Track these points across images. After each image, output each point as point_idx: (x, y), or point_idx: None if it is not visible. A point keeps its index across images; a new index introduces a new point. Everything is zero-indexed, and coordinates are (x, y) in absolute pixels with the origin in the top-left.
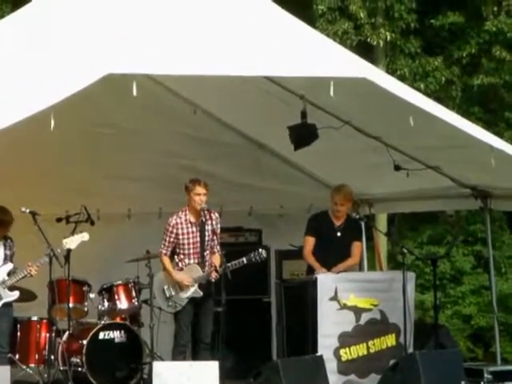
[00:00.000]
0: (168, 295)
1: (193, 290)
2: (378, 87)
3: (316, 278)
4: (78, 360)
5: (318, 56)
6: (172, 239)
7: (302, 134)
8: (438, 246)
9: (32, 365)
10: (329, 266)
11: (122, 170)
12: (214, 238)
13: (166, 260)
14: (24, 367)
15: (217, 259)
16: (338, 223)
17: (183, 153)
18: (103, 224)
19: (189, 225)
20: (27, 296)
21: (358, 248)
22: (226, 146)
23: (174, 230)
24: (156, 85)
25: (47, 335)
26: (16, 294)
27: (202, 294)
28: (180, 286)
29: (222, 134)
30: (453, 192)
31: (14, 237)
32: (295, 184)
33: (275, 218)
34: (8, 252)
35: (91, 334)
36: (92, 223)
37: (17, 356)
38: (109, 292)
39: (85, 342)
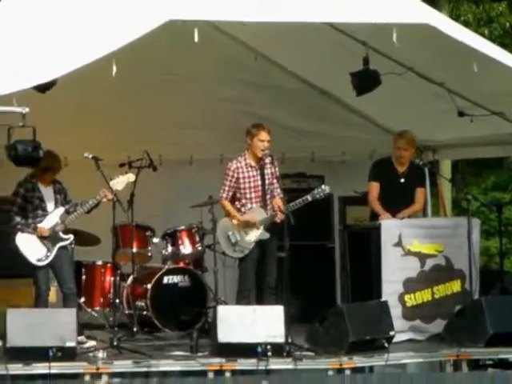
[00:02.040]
0: (234, 241)
1: (259, 233)
2: (441, 33)
3: (380, 224)
4: (143, 304)
5: (381, 2)
6: (232, 183)
7: (365, 81)
8: (502, 192)
9: (97, 308)
10: (392, 212)
11: (183, 116)
12: (274, 181)
13: (227, 204)
14: (89, 310)
15: (278, 202)
16: (401, 169)
17: (244, 99)
18: (165, 170)
19: (249, 169)
20: (92, 240)
21: (422, 194)
22: (287, 92)
23: (235, 175)
24: (217, 32)
25: (112, 279)
26: (70, 237)
27: (268, 235)
28: (245, 230)
29: (283, 80)
30: None
31: (76, 181)
32: (357, 130)
33: (338, 164)
34: (58, 196)
35: (155, 278)
36: (154, 169)
37: (82, 299)
38: (172, 237)
39: (149, 286)
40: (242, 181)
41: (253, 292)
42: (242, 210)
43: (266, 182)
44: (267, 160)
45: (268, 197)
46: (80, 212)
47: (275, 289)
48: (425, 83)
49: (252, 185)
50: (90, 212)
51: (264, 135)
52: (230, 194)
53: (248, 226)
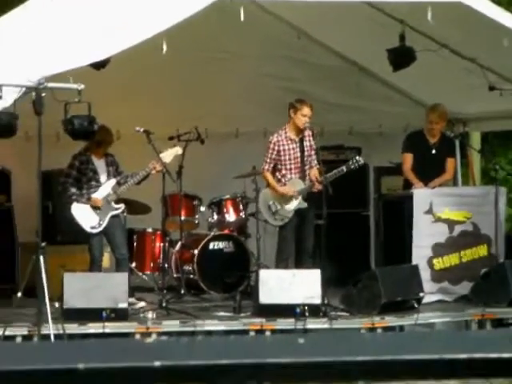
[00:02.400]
0: (274, 210)
1: (297, 202)
2: (473, 11)
3: (412, 193)
4: (190, 268)
5: None
6: (274, 156)
7: (401, 57)
8: None
9: (148, 272)
10: (425, 181)
11: (229, 91)
12: (312, 152)
13: (269, 176)
14: (140, 274)
15: (316, 173)
16: (433, 141)
17: (287, 76)
18: (212, 143)
19: (289, 141)
20: (142, 209)
21: (452, 164)
22: (328, 69)
23: (276, 147)
24: (262, 11)
25: (161, 245)
26: (121, 206)
27: (306, 204)
28: (285, 200)
29: (324, 57)
30: None
31: (128, 154)
32: (393, 104)
33: (374, 137)
34: (111, 168)
35: (202, 244)
36: (202, 142)
37: (134, 264)
38: (218, 206)
39: (196, 251)
40: (282, 153)
41: (291, 257)
42: (283, 180)
43: (306, 153)
44: (306, 133)
45: (307, 167)
46: (131, 183)
47: (313, 254)
48: (457, 59)
49: (292, 157)
50: (140, 183)
51: (306, 110)
52: (272, 165)
53: (286, 198)
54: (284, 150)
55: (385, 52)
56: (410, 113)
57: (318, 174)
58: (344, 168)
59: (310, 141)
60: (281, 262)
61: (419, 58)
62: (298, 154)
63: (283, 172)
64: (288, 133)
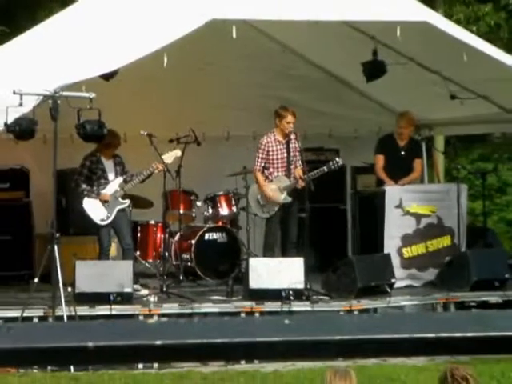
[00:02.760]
0: (262, 203)
1: (283, 197)
2: (437, 29)
3: (384, 190)
4: (188, 256)
5: (388, 3)
6: (264, 155)
7: (373, 69)
8: (486, 163)
9: (150, 260)
10: (395, 179)
11: (222, 99)
12: (297, 153)
13: (260, 176)
14: (143, 262)
15: (299, 172)
16: (401, 144)
17: (273, 86)
18: (207, 145)
19: (277, 143)
20: (146, 204)
21: (419, 164)
22: (309, 80)
23: (266, 148)
24: (251, 28)
25: (162, 236)
26: (127, 201)
27: (291, 199)
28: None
29: (306, 69)
30: (500, 117)
31: (133, 155)
32: (367, 111)
33: (351, 140)
34: (118, 168)
35: (198, 235)
36: (198, 144)
37: (137, 253)
38: (212, 201)
39: (193, 241)
40: (271, 153)
41: (277, 246)
42: (270, 177)
43: (291, 154)
44: (292, 136)
45: (292, 167)
46: (136, 182)
47: (296, 243)
48: (423, 71)
49: (279, 157)
50: (143, 181)
51: (290, 118)
52: (262, 164)
53: (269, 201)
54: (272, 150)
55: (360, 65)
56: (382, 119)
57: (302, 173)
58: (325, 168)
59: (295, 143)
60: (268, 251)
61: (390, 71)
62: (285, 155)
63: (271, 170)
64: (276, 136)
